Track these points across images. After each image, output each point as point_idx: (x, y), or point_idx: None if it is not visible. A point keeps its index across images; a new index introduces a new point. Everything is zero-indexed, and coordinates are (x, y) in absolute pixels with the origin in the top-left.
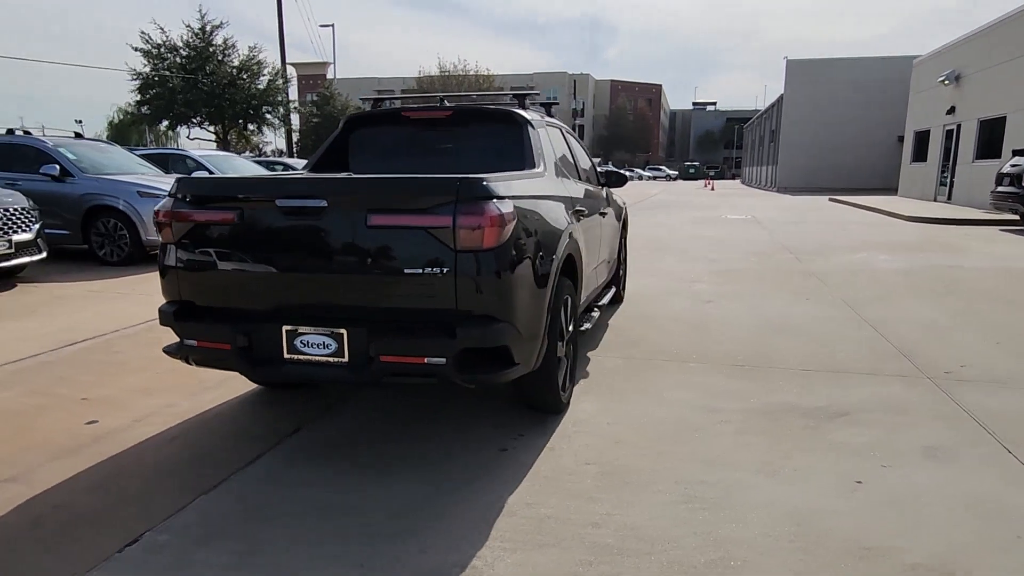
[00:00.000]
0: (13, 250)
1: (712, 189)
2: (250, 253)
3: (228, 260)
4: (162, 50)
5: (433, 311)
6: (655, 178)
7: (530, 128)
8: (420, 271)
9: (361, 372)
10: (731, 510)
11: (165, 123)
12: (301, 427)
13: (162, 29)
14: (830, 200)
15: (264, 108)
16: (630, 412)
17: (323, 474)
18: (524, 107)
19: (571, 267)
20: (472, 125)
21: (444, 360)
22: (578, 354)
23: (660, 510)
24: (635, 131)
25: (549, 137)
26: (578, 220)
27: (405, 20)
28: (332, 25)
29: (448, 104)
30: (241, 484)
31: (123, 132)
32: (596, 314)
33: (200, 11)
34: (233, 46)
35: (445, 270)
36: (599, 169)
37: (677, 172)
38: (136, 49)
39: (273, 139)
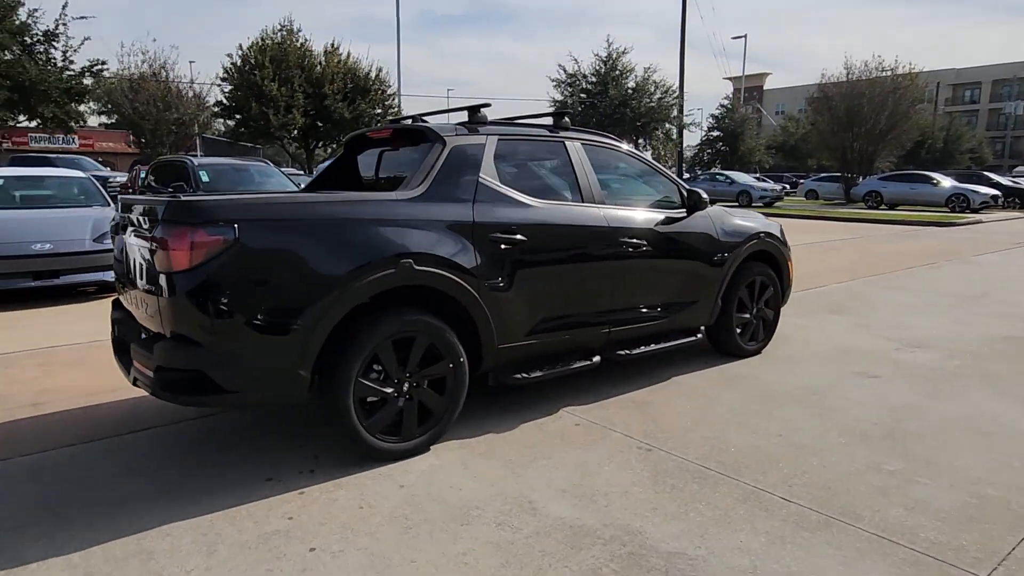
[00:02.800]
0: None
1: None
2: (124, 258)
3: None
4: (575, 78)
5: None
6: None
7: (438, 146)
8: (149, 287)
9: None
10: None
11: None
12: (207, 416)
13: (575, 60)
14: None
15: (652, 125)
16: (445, 481)
17: (140, 458)
18: (476, 121)
19: (443, 302)
20: (405, 143)
21: (151, 375)
22: (456, 400)
23: None
24: None
25: (486, 155)
26: (497, 248)
27: (883, 17)
28: (744, 36)
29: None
30: (102, 445)
31: None
32: (579, 365)
33: (608, 40)
34: (631, 70)
35: (154, 287)
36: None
37: None
38: (552, 80)
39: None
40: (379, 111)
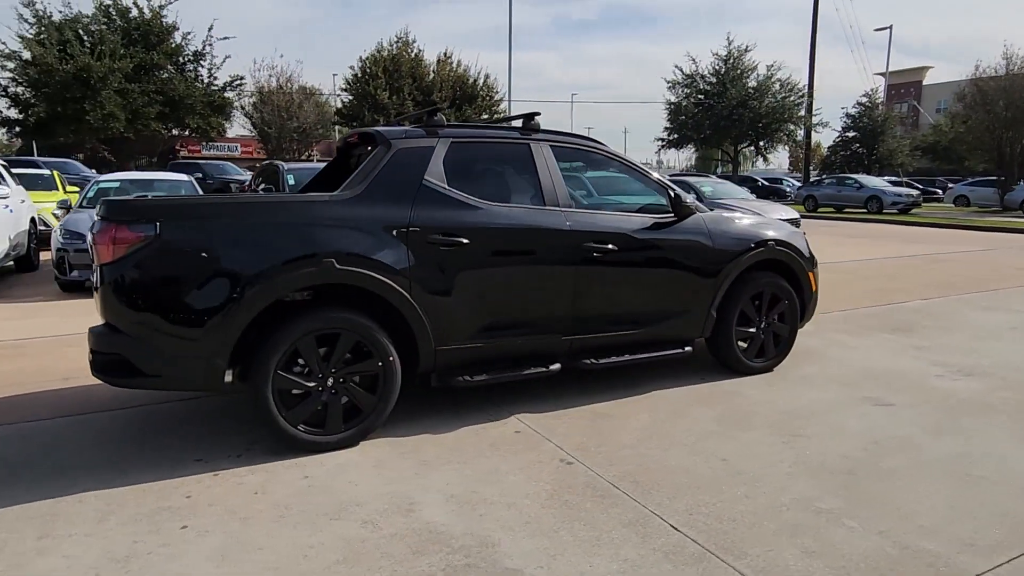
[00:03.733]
0: None
1: None
2: None
3: None
4: (692, 79)
5: None
6: None
7: (382, 149)
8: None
9: None
10: None
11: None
12: (197, 398)
13: (693, 60)
14: None
15: (774, 126)
16: (349, 476)
17: (114, 431)
18: (432, 124)
19: (373, 301)
20: (368, 147)
21: (92, 357)
22: (387, 397)
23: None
24: None
25: (434, 158)
26: (436, 250)
27: None
28: (890, 27)
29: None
30: (91, 417)
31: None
32: (532, 371)
33: (728, 38)
34: (754, 68)
35: (95, 279)
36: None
37: None
38: (667, 81)
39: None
40: (485, 116)
